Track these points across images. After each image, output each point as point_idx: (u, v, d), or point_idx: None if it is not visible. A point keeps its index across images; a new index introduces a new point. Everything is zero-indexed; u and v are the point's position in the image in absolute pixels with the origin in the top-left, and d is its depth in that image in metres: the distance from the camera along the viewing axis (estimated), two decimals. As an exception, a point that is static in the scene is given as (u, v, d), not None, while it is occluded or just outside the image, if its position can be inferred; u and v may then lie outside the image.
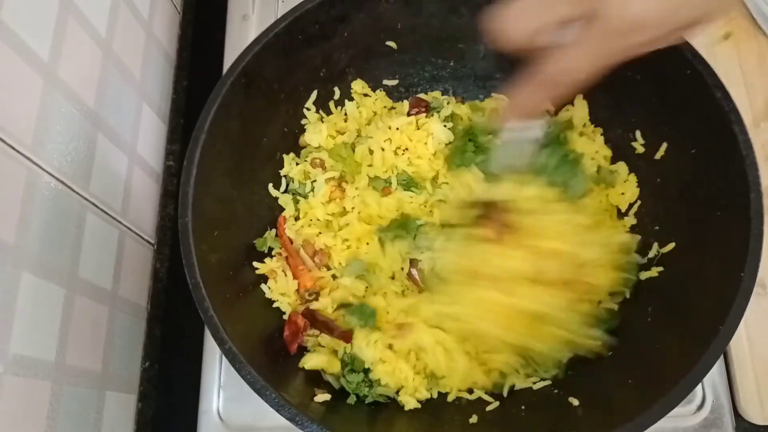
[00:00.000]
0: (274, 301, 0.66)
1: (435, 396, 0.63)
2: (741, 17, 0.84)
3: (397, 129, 0.70)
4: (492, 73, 0.75)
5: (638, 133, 0.67)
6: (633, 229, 0.68)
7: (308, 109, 0.72)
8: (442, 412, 0.62)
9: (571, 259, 0.56)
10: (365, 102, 0.74)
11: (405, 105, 0.74)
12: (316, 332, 0.65)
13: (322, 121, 0.72)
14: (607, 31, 0.40)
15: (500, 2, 0.45)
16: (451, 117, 0.72)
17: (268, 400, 0.51)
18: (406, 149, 0.70)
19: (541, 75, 0.45)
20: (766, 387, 0.69)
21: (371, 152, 0.70)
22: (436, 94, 0.76)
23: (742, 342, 0.71)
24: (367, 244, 0.67)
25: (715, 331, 0.50)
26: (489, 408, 0.61)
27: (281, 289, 0.66)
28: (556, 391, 0.62)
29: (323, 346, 0.65)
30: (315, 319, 0.64)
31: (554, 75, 0.45)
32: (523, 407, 0.61)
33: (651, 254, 0.65)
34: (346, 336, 0.63)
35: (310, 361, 0.63)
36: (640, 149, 0.67)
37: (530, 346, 0.56)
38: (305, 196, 0.70)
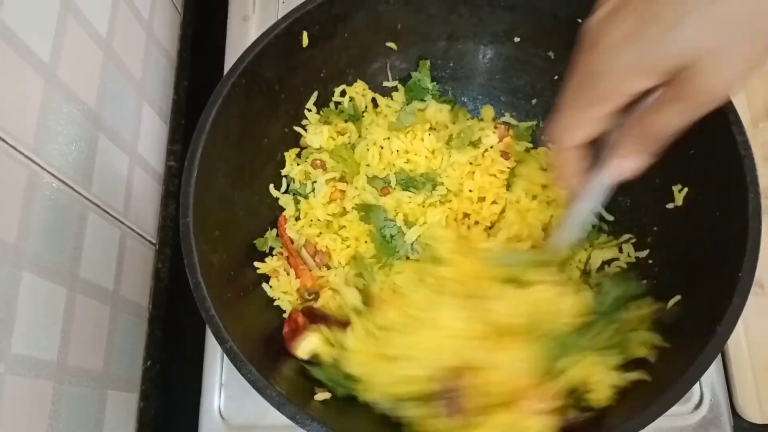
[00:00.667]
0: (274, 300, 0.66)
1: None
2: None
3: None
4: (492, 74, 0.76)
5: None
6: (631, 230, 0.68)
7: (309, 110, 0.72)
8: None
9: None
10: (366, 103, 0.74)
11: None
12: (315, 327, 0.64)
13: (326, 122, 0.73)
14: (696, 94, 0.41)
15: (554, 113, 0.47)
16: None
17: (269, 399, 0.51)
18: (407, 152, 0.70)
19: (639, 131, 0.45)
20: (764, 386, 0.69)
21: (368, 149, 0.70)
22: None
23: (740, 341, 0.71)
24: (366, 242, 0.68)
25: (713, 331, 0.51)
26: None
27: (283, 287, 0.66)
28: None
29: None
30: (313, 315, 0.64)
31: (651, 132, 0.45)
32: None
33: (645, 254, 0.66)
34: (343, 323, 0.62)
35: (302, 348, 0.61)
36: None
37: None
38: (306, 197, 0.70)
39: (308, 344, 0.62)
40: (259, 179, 0.70)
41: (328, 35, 0.67)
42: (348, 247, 0.68)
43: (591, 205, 0.53)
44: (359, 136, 0.72)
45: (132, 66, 0.74)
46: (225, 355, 0.53)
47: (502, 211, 0.69)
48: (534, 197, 0.70)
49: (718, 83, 0.40)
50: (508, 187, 0.70)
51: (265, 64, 0.63)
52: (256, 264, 0.67)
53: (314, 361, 0.63)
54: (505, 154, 0.71)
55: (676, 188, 0.63)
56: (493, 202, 0.68)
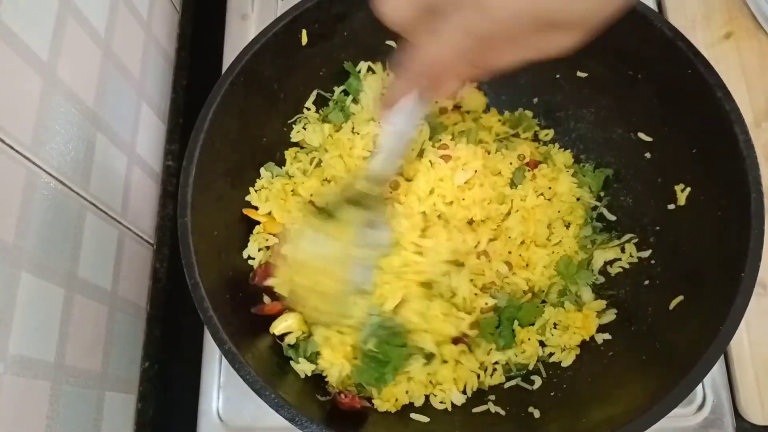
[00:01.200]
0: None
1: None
2: (742, 17, 0.84)
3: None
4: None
5: (639, 133, 0.67)
6: (633, 230, 0.68)
7: (308, 109, 0.72)
8: (439, 414, 0.62)
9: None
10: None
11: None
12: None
13: (324, 120, 0.72)
14: (469, 21, 0.38)
15: None
16: None
17: (267, 401, 0.51)
18: None
19: (409, 65, 0.43)
20: (766, 387, 0.69)
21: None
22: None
23: (742, 342, 0.71)
24: None
25: (716, 331, 0.50)
26: (476, 410, 0.61)
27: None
28: (552, 393, 0.62)
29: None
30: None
31: (420, 66, 0.43)
32: (522, 408, 0.61)
33: (648, 255, 0.66)
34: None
35: (279, 326, 0.63)
36: (641, 149, 0.67)
37: None
38: None
39: (284, 322, 0.64)
40: (257, 178, 0.69)
41: (328, 34, 0.67)
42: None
43: (404, 127, 0.52)
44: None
45: (131, 65, 0.74)
46: (223, 357, 0.53)
47: (508, 212, 0.69)
48: (540, 194, 0.69)
49: None
50: (512, 185, 0.70)
51: (264, 63, 0.63)
52: (245, 253, 0.66)
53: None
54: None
55: (678, 188, 0.63)
56: (502, 203, 0.68)
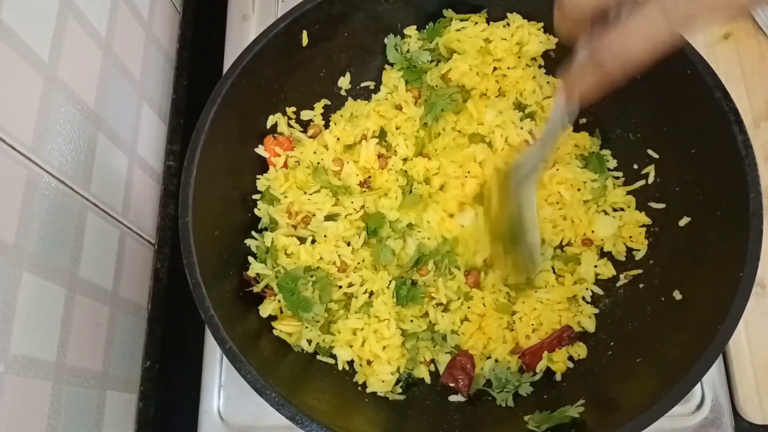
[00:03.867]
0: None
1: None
2: (741, 17, 0.84)
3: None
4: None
5: (637, 134, 0.67)
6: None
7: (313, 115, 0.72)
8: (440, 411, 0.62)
9: None
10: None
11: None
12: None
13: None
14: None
15: None
16: None
17: (268, 399, 0.51)
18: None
19: (596, 54, 0.45)
20: (765, 386, 0.69)
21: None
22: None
23: (741, 342, 0.71)
24: None
25: (714, 331, 0.51)
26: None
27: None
28: (550, 393, 0.62)
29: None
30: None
31: (609, 53, 0.44)
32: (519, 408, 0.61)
33: (641, 255, 0.66)
34: None
35: (267, 308, 0.64)
36: (640, 149, 0.67)
37: None
38: None
39: (271, 306, 0.64)
40: (258, 179, 0.70)
41: (328, 35, 0.67)
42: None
43: (554, 129, 0.57)
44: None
45: (131, 66, 0.74)
46: (224, 356, 0.53)
47: None
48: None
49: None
50: None
51: (265, 64, 0.63)
52: (247, 242, 0.67)
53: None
54: None
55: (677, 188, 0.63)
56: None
